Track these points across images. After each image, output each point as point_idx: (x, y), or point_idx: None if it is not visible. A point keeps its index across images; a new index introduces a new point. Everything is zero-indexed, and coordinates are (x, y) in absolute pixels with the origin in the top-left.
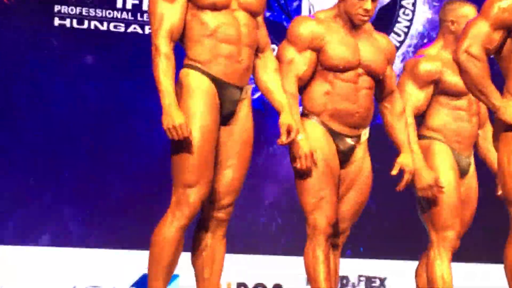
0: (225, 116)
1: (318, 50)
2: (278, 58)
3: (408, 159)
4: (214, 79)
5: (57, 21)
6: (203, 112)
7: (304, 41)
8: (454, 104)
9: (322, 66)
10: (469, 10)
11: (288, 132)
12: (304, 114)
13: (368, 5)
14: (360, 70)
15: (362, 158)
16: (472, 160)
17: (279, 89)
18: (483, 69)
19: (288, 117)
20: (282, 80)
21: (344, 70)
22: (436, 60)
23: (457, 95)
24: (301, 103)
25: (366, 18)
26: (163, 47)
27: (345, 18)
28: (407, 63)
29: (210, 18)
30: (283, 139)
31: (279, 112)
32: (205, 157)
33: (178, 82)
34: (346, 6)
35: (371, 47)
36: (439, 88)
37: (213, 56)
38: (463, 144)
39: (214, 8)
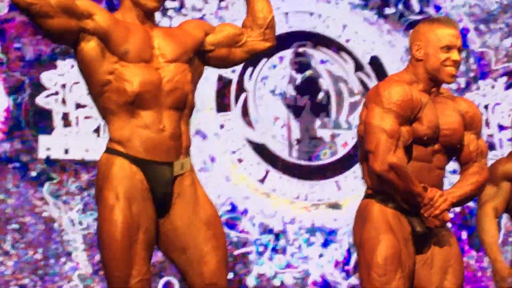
0: (160, 202)
1: (413, 121)
2: (368, 124)
3: None
4: (134, 160)
5: None
6: (123, 204)
7: (406, 111)
8: None
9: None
10: None
11: None
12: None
13: (456, 55)
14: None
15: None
16: None
17: None
18: None
19: None
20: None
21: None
22: None
23: None
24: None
25: (455, 72)
26: None
27: (426, 81)
28: None
29: (130, 75)
30: None
31: None
32: (126, 254)
33: (97, 170)
34: (428, 64)
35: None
36: None
37: (131, 129)
38: None
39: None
